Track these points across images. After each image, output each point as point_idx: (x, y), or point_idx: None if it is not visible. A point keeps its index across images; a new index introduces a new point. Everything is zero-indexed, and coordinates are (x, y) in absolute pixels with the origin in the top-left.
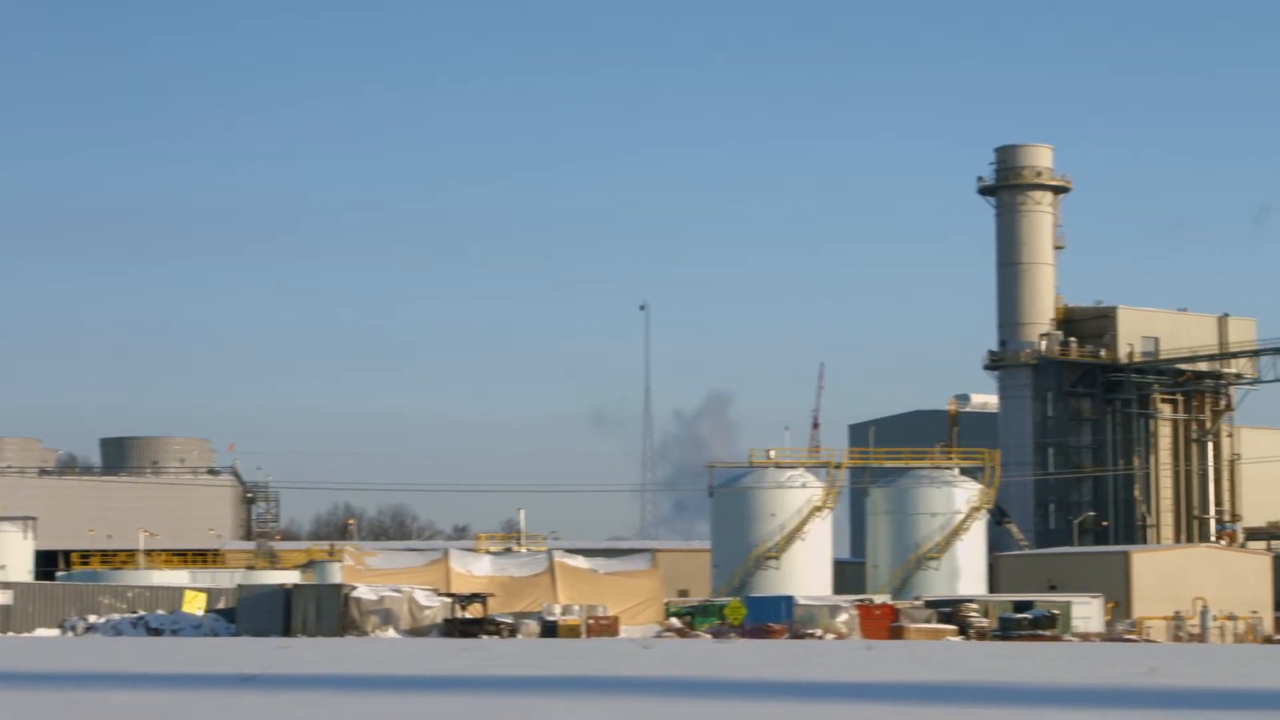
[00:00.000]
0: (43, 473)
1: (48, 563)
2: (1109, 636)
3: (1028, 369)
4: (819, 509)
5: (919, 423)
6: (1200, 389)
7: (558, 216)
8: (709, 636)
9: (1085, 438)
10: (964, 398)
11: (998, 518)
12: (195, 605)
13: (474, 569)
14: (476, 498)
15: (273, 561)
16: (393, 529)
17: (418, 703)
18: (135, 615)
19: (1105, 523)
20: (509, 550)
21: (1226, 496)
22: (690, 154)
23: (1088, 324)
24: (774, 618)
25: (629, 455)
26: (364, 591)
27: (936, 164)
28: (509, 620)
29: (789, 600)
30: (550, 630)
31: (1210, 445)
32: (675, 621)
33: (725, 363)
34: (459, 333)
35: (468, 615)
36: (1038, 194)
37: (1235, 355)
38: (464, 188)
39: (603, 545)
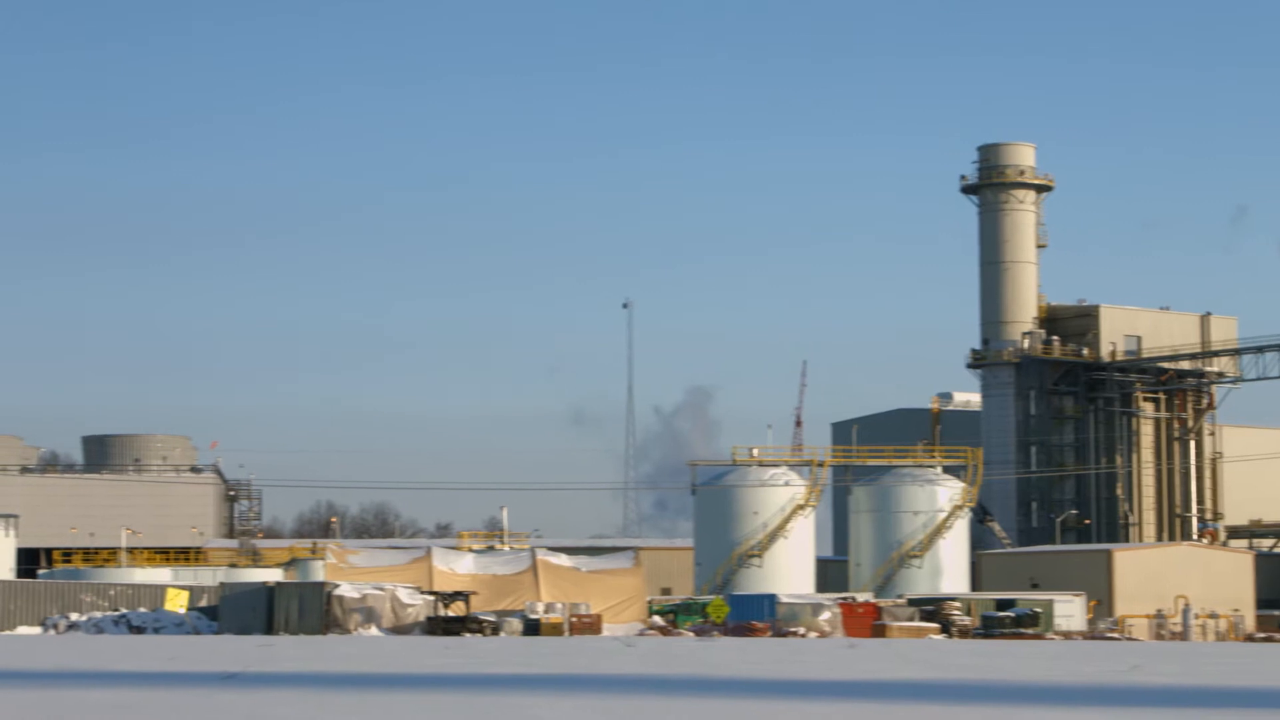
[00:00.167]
0: (24, 470)
1: (29, 561)
2: (1091, 635)
3: (1010, 367)
4: (802, 507)
5: (902, 421)
6: (1182, 387)
7: (541, 215)
8: (692, 635)
9: (1068, 436)
10: (947, 396)
11: (980, 516)
12: (177, 603)
13: (457, 567)
14: (459, 496)
15: (255, 559)
16: (375, 527)
17: (400, 701)
18: (117, 613)
19: (1087, 521)
20: (492, 548)
21: (1208, 495)
22: (674, 153)
23: (1070, 323)
24: (757, 616)
25: (612, 453)
26: (346, 589)
27: (919, 162)
28: (492, 618)
29: (772, 598)
30: (533, 628)
31: (1192, 444)
32: (658, 620)
33: (708, 361)
34: (442, 331)
35: (450, 613)
36: (1020, 193)
37: (1217, 354)
38: (448, 187)
39: (586, 543)
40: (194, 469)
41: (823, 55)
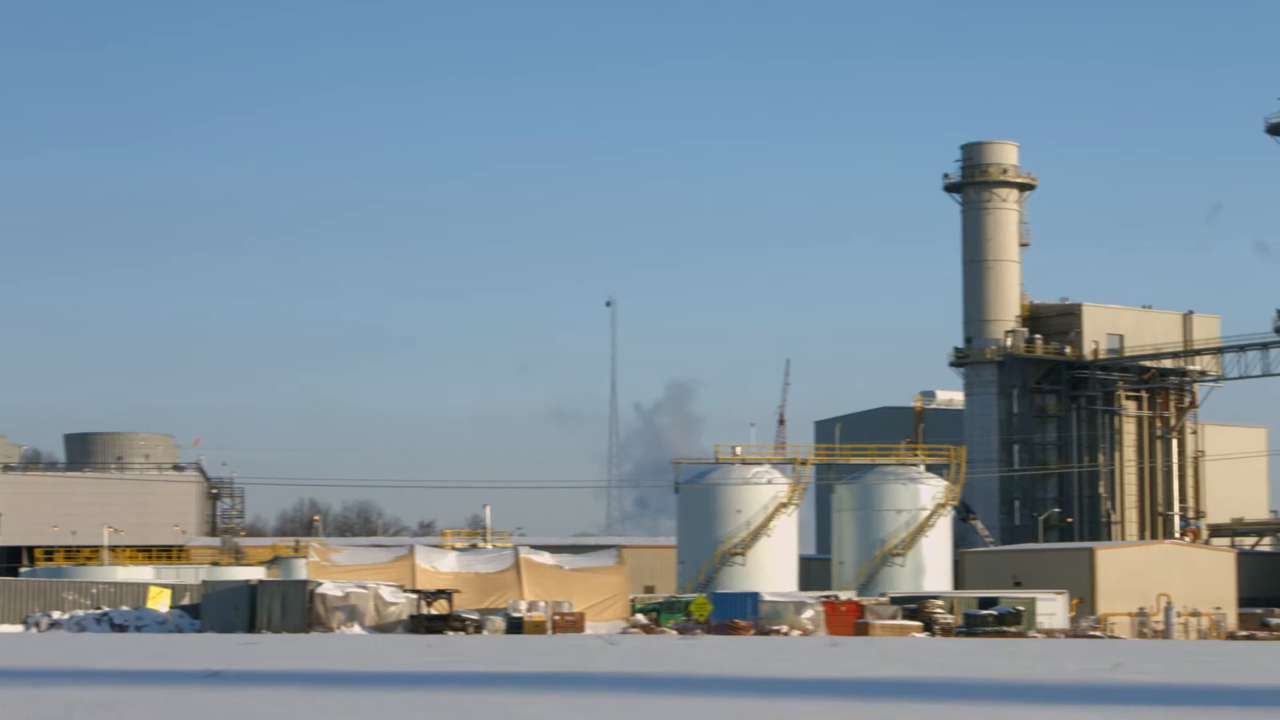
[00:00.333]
0: (6, 468)
1: (11, 559)
2: (1074, 633)
3: (993, 366)
4: (785, 505)
5: (885, 419)
6: (1164, 386)
7: (525, 215)
8: (675, 633)
9: (1050, 434)
10: (930, 394)
11: (963, 514)
12: (160, 601)
13: (439, 565)
14: (442, 494)
15: (238, 558)
16: (358, 525)
17: (383, 699)
18: (99, 611)
19: (1070, 519)
20: (475, 546)
21: (1190, 493)
22: (658, 153)
23: (1053, 321)
24: (740, 614)
25: (595, 451)
26: (329, 587)
27: (903, 161)
28: (474, 616)
29: (755, 597)
30: (516, 626)
31: (1174, 442)
32: (641, 618)
33: (691, 359)
34: (426, 330)
35: (433, 611)
36: (1003, 191)
37: (1199, 352)
38: (432, 187)
39: (569, 541)
40: (176, 467)
41: (806, 56)
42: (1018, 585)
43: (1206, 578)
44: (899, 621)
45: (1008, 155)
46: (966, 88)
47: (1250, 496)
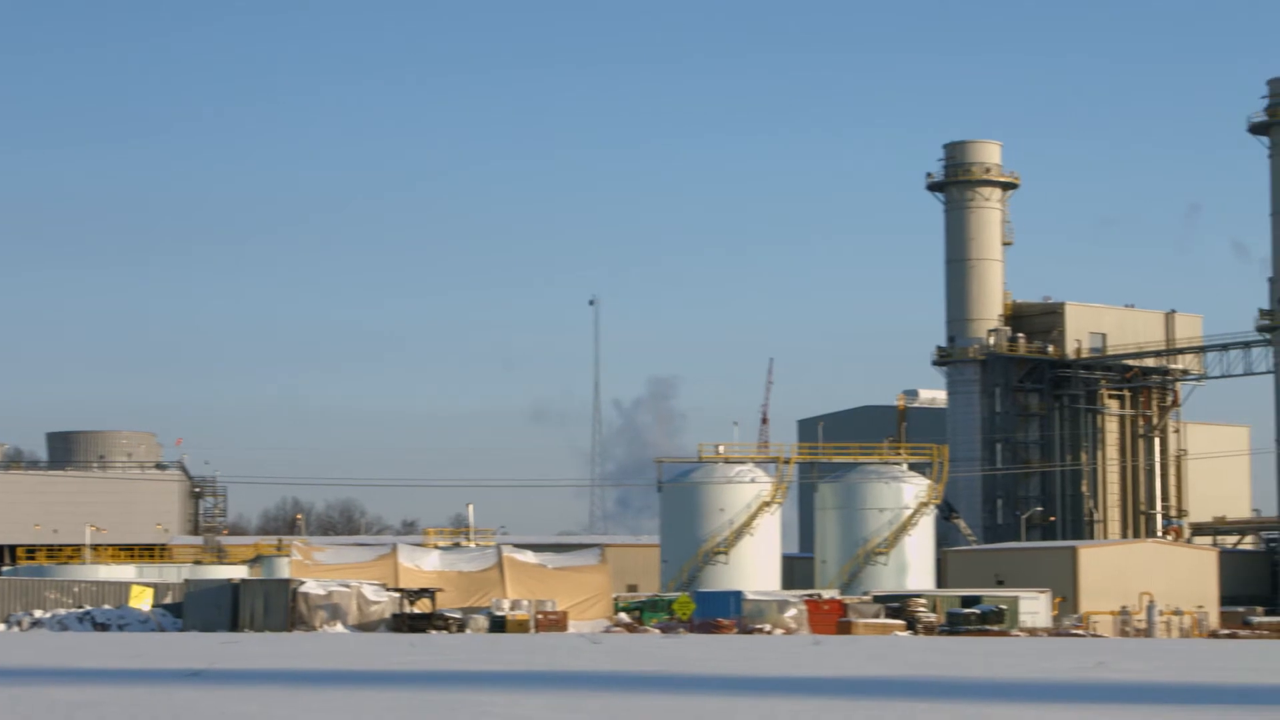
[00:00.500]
0: None
1: None
2: (1056, 631)
3: (976, 365)
4: (768, 504)
5: (868, 418)
6: (1147, 385)
7: (506, 213)
8: (658, 632)
9: (1033, 433)
10: (912, 393)
11: (946, 513)
12: (142, 600)
13: (422, 564)
14: (425, 492)
15: (220, 556)
16: (341, 524)
17: (365, 698)
18: (81, 610)
19: (1053, 518)
20: (457, 545)
21: (1173, 492)
22: (640, 150)
23: (1036, 320)
24: (723, 613)
25: (578, 450)
26: (312, 586)
27: (885, 160)
28: (457, 615)
29: (738, 595)
30: (499, 625)
31: (1157, 441)
32: (624, 617)
33: (673, 358)
34: (408, 328)
35: (416, 610)
36: (986, 190)
37: (1182, 351)
38: (412, 185)
39: (552, 540)
40: (159, 466)
41: (788, 56)
42: (1000, 584)
43: (1189, 576)
44: (882, 620)
45: (991, 154)
46: (950, 87)
47: (1232, 495)
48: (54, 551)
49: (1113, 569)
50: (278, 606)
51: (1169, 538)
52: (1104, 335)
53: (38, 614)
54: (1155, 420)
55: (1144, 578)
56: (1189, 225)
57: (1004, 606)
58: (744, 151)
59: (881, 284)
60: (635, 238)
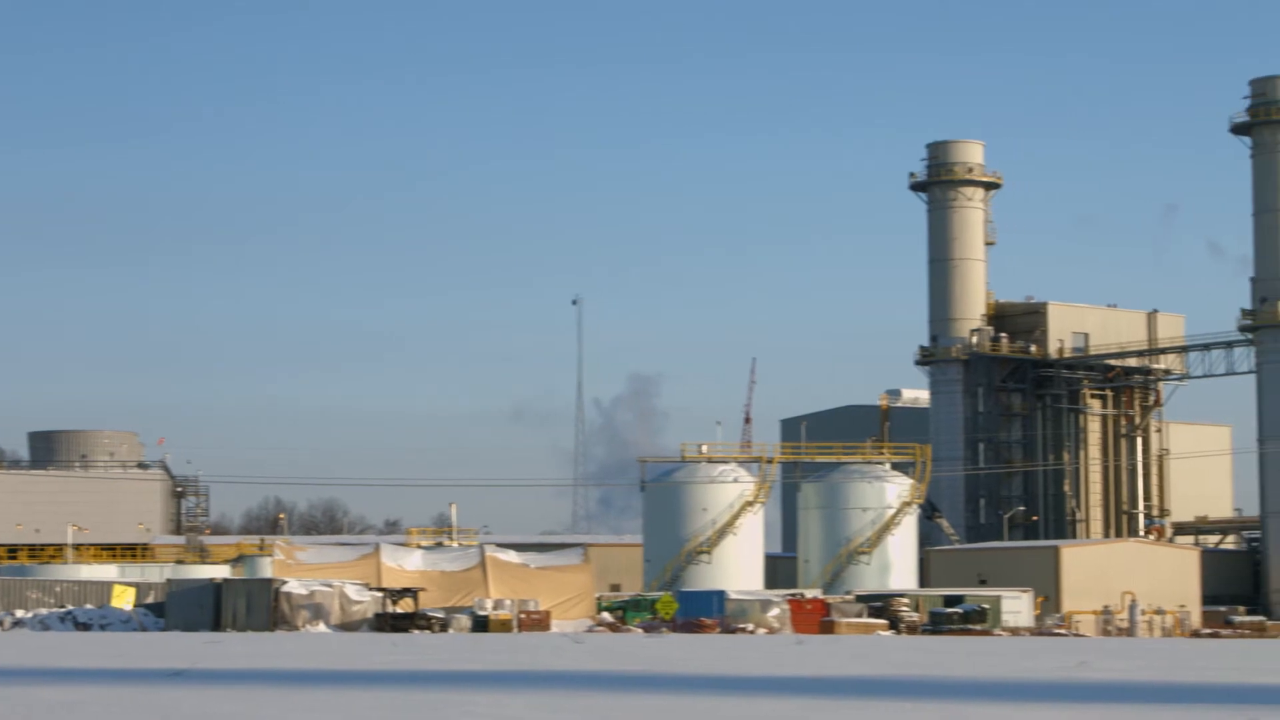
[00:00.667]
0: None
1: None
2: (1038, 631)
3: (959, 364)
4: (751, 504)
5: (851, 418)
6: (1129, 385)
7: (490, 213)
8: (640, 631)
9: (1015, 433)
10: (895, 393)
11: (928, 512)
12: (124, 600)
13: (405, 564)
14: (408, 492)
15: (202, 556)
16: (323, 523)
17: (348, 697)
18: (63, 610)
19: (1035, 517)
20: (440, 545)
21: (1155, 491)
22: (623, 150)
23: (1018, 320)
24: (706, 612)
25: (561, 450)
26: (294, 586)
27: (868, 160)
28: (440, 615)
29: (720, 595)
30: (482, 625)
31: (1139, 440)
32: (607, 616)
33: (656, 357)
34: (390, 328)
35: (399, 610)
36: (969, 190)
37: (1164, 351)
38: (412, 184)
39: (534, 540)
40: (141, 465)
41: (771, 56)
42: (983, 583)
43: (1171, 576)
44: (864, 620)
45: (973, 154)
46: (933, 87)
47: (1214, 495)
48: (36, 551)
49: (1095, 568)
50: (260, 606)
51: (1151, 537)
52: (1086, 335)
53: (19, 614)
54: (1137, 420)
55: (1126, 577)
56: (1168, 225)
57: (986, 606)
58: (727, 152)
59: (864, 284)
60: (619, 238)
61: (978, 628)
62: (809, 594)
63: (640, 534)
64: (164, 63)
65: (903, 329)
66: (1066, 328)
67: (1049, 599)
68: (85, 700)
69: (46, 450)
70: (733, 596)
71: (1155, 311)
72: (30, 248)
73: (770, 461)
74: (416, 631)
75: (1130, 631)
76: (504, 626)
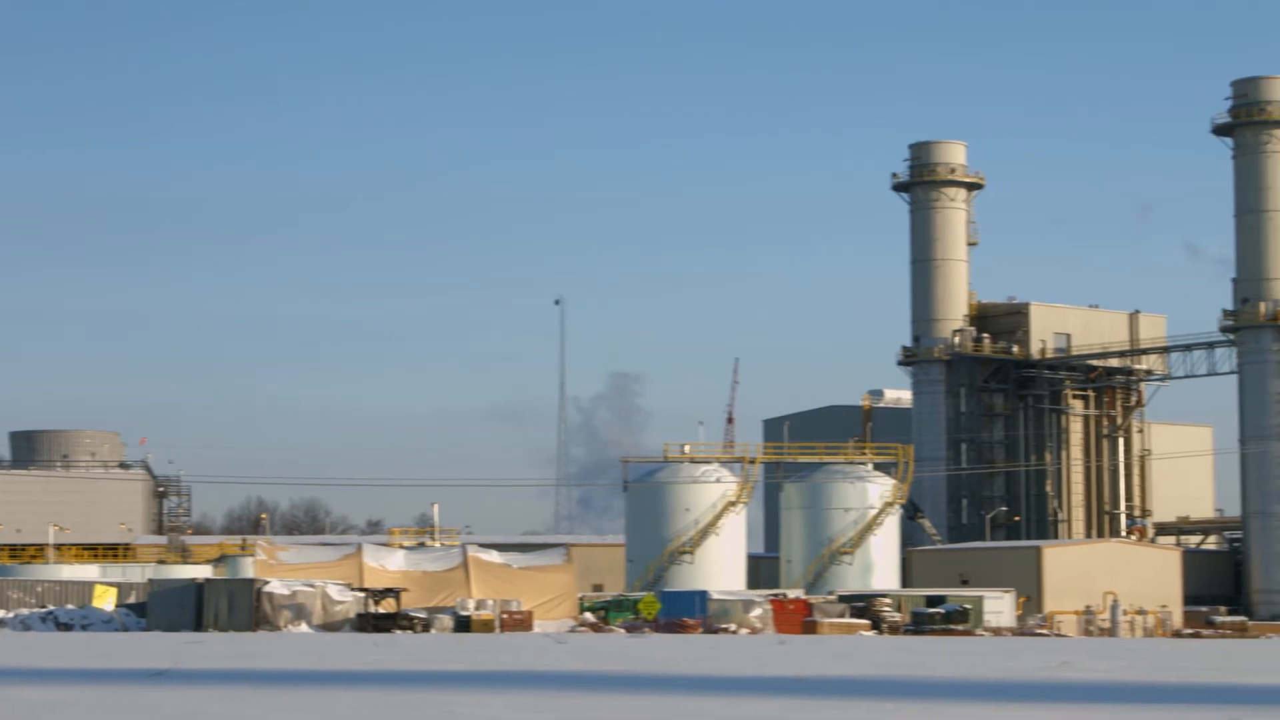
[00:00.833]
0: None
1: None
2: (1020, 631)
3: (941, 365)
4: (733, 504)
5: (833, 418)
6: (1111, 385)
7: (472, 212)
8: (623, 631)
9: (998, 433)
10: (878, 393)
11: (911, 512)
12: (105, 600)
13: (387, 564)
14: (390, 492)
15: (184, 556)
16: (305, 523)
17: (330, 698)
18: (45, 610)
19: (1017, 518)
20: (422, 545)
21: (1137, 492)
22: (606, 150)
23: (1000, 320)
24: (688, 613)
25: (543, 450)
26: (276, 586)
27: (851, 160)
28: (422, 615)
29: (703, 595)
30: (464, 625)
31: (1121, 441)
32: (589, 616)
33: (638, 357)
34: (373, 328)
35: (381, 610)
36: (951, 190)
37: (1146, 352)
38: (378, 185)
39: (517, 540)
40: (122, 465)
41: (754, 56)
42: (965, 583)
43: (1152, 576)
44: (847, 620)
45: (956, 155)
46: (915, 88)
47: (1196, 495)
48: (17, 551)
49: (1077, 569)
50: (242, 606)
51: (1133, 537)
52: (1068, 335)
53: (1, 614)
54: (1119, 420)
55: (1108, 577)
56: (1147, 226)
57: (969, 606)
58: (710, 152)
59: (847, 284)
60: (601, 238)
61: (960, 628)
62: (791, 594)
63: (623, 534)
64: (164, 63)
65: (885, 329)
66: (1048, 328)
67: (1031, 599)
68: (67, 700)
69: (28, 450)
70: (715, 597)
71: (1137, 312)
72: (30, 248)
73: (753, 462)
74: (399, 632)
75: (1112, 632)
76: (486, 627)
